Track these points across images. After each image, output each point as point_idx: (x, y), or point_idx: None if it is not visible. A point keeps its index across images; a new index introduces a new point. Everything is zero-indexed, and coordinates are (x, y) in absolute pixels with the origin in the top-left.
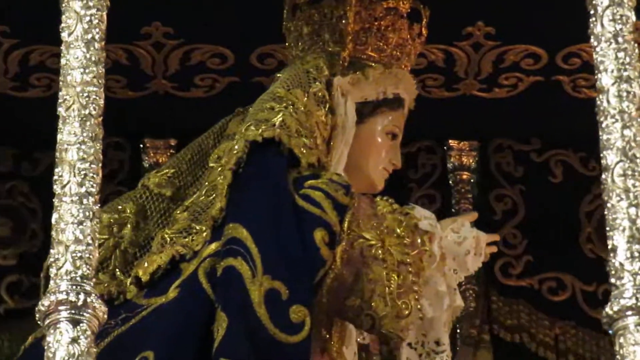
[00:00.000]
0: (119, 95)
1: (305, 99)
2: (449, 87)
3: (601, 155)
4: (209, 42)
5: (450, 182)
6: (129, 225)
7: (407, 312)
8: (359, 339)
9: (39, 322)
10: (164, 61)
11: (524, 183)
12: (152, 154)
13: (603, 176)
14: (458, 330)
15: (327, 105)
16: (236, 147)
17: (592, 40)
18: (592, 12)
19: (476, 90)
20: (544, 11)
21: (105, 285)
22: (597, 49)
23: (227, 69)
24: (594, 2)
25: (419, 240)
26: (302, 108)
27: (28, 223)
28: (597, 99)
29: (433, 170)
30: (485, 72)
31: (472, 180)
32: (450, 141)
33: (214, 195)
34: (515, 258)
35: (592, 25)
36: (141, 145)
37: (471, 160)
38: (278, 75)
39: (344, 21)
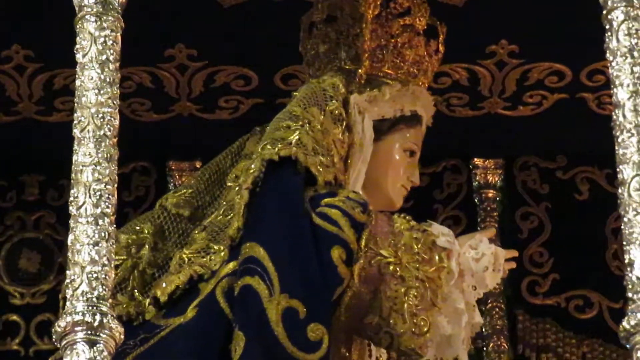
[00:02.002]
0: (144, 118)
1: (322, 117)
2: (473, 106)
3: (617, 169)
4: (233, 64)
5: (476, 200)
6: (147, 246)
7: (425, 329)
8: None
9: (55, 344)
10: (188, 83)
11: (550, 201)
12: (177, 177)
13: (619, 190)
14: (484, 349)
15: (344, 123)
16: (253, 166)
17: (607, 55)
18: (607, 27)
19: (501, 108)
20: (567, 28)
21: (124, 306)
22: (613, 64)
23: (252, 90)
24: (609, 17)
25: (436, 257)
26: (319, 126)
27: (55, 256)
28: (613, 113)
29: (459, 190)
30: (510, 90)
31: (497, 199)
32: (475, 159)
33: (232, 214)
34: (541, 276)
35: (607, 40)
36: (166, 169)
37: (497, 179)
38: (295, 94)
39: (360, 39)
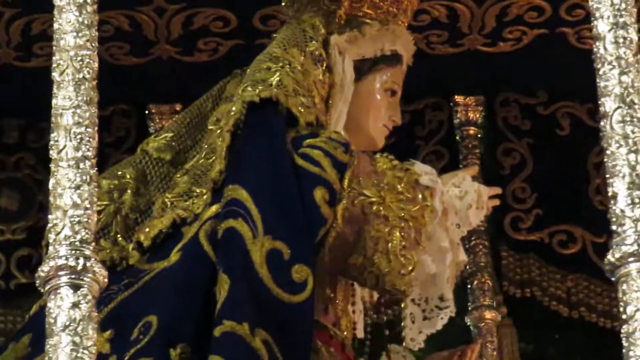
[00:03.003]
0: (123, 62)
1: (302, 58)
2: (453, 43)
3: (599, 102)
4: (211, 6)
5: (457, 137)
6: (129, 191)
7: (410, 268)
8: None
9: (39, 289)
10: (167, 26)
11: (532, 136)
12: (157, 120)
13: (602, 123)
14: (469, 286)
15: (325, 64)
16: (233, 108)
17: None
18: None
19: (480, 45)
20: None
21: (108, 251)
22: None
23: (230, 32)
24: None
25: (420, 196)
26: (299, 67)
27: (36, 195)
28: (594, 46)
29: (440, 127)
30: (489, 26)
31: (479, 136)
32: (456, 97)
33: (214, 157)
34: (524, 212)
35: None
36: (146, 112)
37: (477, 115)
38: (274, 35)
39: None
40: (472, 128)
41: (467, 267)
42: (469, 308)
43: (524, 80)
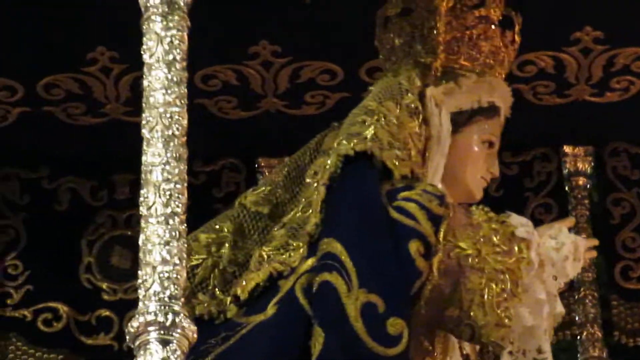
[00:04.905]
0: (231, 116)
1: (398, 110)
2: (560, 94)
3: None
4: (318, 59)
5: (567, 188)
6: (227, 244)
7: (506, 320)
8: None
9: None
10: (274, 79)
11: None
12: (267, 173)
13: None
14: (578, 337)
15: (421, 117)
16: (329, 161)
17: None
18: None
19: (588, 95)
20: None
21: (205, 305)
22: None
23: (337, 84)
24: None
25: (516, 248)
26: (395, 120)
27: None
28: None
29: (549, 178)
30: (597, 76)
31: (588, 186)
32: (565, 147)
33: (310, 211)
34: (635, 261)
35: None
36: (256, 165)
37: (587, 166)
38: (371, 88)
39: (435, 31)
40: (582, 178)
41: (577, 318)
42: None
43: (632, 130)
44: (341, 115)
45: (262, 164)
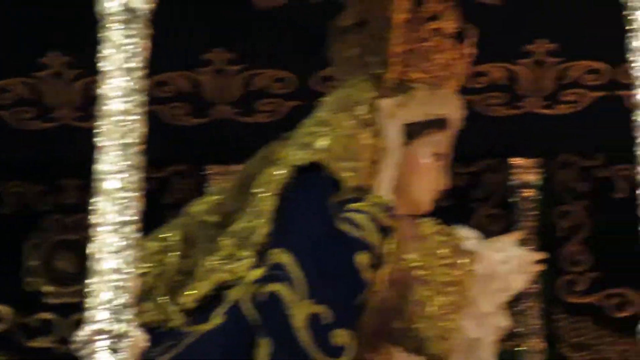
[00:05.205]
0: (183, 122)
1: (350, 121)
2: (512, 105)
3: (637, 169)
4: (271, 67)
5: (514, 200)
6: (174, 253)
7: (451, 333)
8: None
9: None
10: (227, 87)
11: (589, 199)
12: (217, 181)
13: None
14: (521, 349)
15: (373, 128)
16: (279, 172)
17: (629, 55)
18: (630, 27)
19: (539, 107)
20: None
21: (151, 313)
22: (636, 64)
23: (291, 93)
24: (630, 17)
25: (462, 261)
26: (347, 131)
27: None
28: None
29: (497, 189)
30: (548, 89)
31: (536, 198)
32: (514, 159)
33: (258, 221)
34: (579, 274)
35: (630, 40)
36: (206, 173)
37: (535, 178)
38: (324, 98)
39: (389, 43)
40: (530, 190)
41: (520, 329)
42: None
43: (583, 143)
44: (294, 124)
45: (212, 172)
